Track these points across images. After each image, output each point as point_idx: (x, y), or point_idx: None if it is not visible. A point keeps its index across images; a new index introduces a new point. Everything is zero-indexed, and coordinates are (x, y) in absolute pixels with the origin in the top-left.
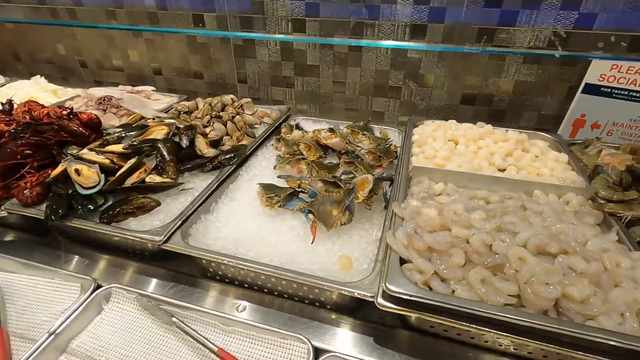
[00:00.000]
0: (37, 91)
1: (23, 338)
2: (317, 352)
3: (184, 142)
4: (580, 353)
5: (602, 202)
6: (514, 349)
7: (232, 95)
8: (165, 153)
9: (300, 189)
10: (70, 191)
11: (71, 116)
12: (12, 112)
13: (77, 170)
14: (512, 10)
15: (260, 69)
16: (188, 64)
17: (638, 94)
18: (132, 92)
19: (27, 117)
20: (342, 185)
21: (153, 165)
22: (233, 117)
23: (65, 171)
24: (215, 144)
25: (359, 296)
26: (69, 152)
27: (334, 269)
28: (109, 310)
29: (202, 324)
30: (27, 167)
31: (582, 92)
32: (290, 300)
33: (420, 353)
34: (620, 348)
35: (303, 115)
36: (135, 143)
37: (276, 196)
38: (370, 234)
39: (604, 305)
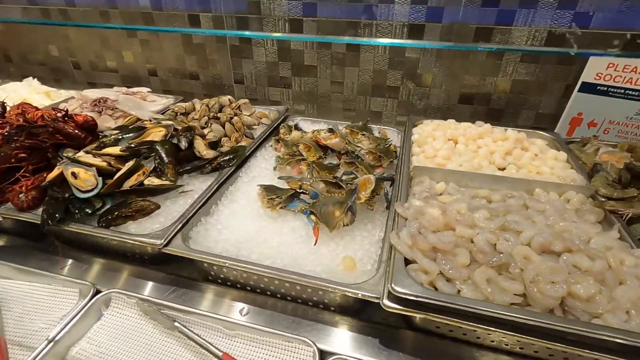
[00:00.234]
0: (29, 93)
1: (21, 346)
2: (323, 354)
3: (183, 144)
4: (587, 351)
5: (603, 199)
6: (519, 348)
7: (229, 96)
8: (163, 155)
9: (301, 190)
10: (66, 195)
11: (66, 118)
12: (5, 115)
13: (73, 174)
14: (510, 10)
15: (257, 70)
16: (184, 65)
17: (634, 92)
18: (127, 94)
19: (21, 120)
20: (343, 186)
21: (151, 168)
22: (231, 118)
23: (61, 174)
24: (213, 145)
25: (364, 298)
26: (65, 155)
27: (338, 271)
28: (109, 316)
29: (205, 328)
30: (22, 170)
31: (579, 90)
32: (294, 303)
33: (426, 354)
34: (627, 346)
35: (301, 116)
36: (132, 145)
37: (277, 197)
38: (373, 235)
39: (609, 303)
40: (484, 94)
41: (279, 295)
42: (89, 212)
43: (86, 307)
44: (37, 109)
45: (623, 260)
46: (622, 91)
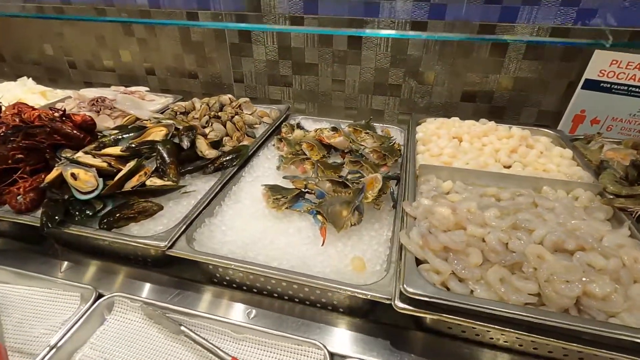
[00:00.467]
0: (24, 93)
1: (22, 353)
2: (334, 357)
3: (185, 143)
4: (603, 351)
5: (611, 197)
6: (533, 349)
7: (229, 95)
8: (165, 155)
9: (306, 190)
10: (66, 196)
11: (64, 118)
12: (0, 115)
13: (73, 175)
14: (513, 7)
15: (257, 68)
16: (182, 64)
17: (637, 89)
18: (125, 93)
19: (17, 120)
20: (350, 185)
21: (153, 168)
22: (232, 117)
23: (60, 176)
24: (215, 144)
25: (375, 299)
26: (64, 155)
27: (347, 271)
28: (112, 321)
29: (212, 332)
30: (19, 172)
31: (582, 87)
32: (301, 304)
33: (438, 355)
34: None
35: (301, 115)
36: (133, 145)
37: (283, 197)
38: (380, 234)
39: (625, 302)
40: (487, 91)
41: (286, 297)
42: (90, 214)
43: (89, 312)
44: (33, 108)
45: (637, 258)
46: (626, 88)
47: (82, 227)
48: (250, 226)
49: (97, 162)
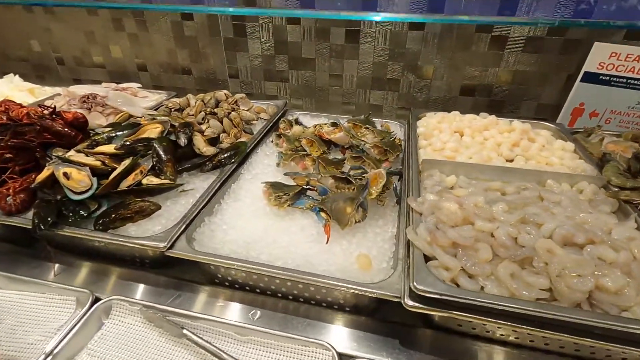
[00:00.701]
0: (11, 90)
1: None
2: (342, 358)
3: (182, 141)
4: (617, 345)
5: (616, 189)
6: (545, 344)
7: (225, 91)
8: (161, 153)
9: (308, 187)
10: (58, 197)
11: (54, 116)
12: None
13: (65, 174)
14: (512, 1)
15: (252, 63)
16: (175, 59)
17: (636, 82)
18: (117, 90)
19: (4, 118)
20: (353, 182)
21: (149, 166)
22: (228, 113)
23: (52, 175)
24: (213, 141)
25: (384, 297)
26: (55, 154)
27: (353, 269)
28: (111, 325)
29: (215, 334)
30: (8, 172)
31: (581, 80)
32: (306, 304)
33: (448, 353)
34: None
35: (298, 111)
36: (128, 143)
37: (284, 195)
38: (385, 231)
39: (638, 296)
40: (486, 85)
41: (290, 297)
42: (84, 214)
43: (85, 317)
44: (21, 106)
45: None
46: (625, 80)
47: (76, 228)
48: (252, 224)
49: (91, 160)
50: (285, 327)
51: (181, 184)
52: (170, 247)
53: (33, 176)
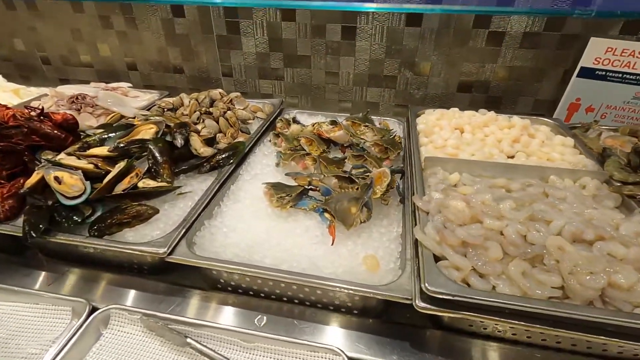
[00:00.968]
0: None
1: None
2: None
3: (179, 141)
4: (630, 342)
5: (619, 184)
6: (556, 342)
7: (220, 90)
8: (157, 154)
9: (310, 187)
10: (50, 202)
11: (42, 117)
12: None
13: (57, 178)
14: None
15: (246, 61)
16: (166, 58)
17: (631, 76)
18: (107, 90)
19: None
20: (356, 181)
21: (145, 169)
22: (224, 112)
23: (42, 180)
24: (210, 142)
25: (395, 300)
26: (44, 158)
27: (360, 271)
28: (109, 336)
29: (220, 342)
30: None
31: (578, 75)
32: (312, 308)
33: (460, 354)
34: None
35: (293, 109)
36: (122, 145)
37: (287, 196)
38: (390, 231)
39: None
40: (483, 81)
41: (296, 301)
42: (78, 220)
43: (83, 327)
44: (6, 107)
45: None
46: (620, 75)
47: (70, 235)
48: (253, 227)
49: (83, 163)
50: (292, 332)
51: (179, 187)
52: (171, 253)
53: (21, 181)
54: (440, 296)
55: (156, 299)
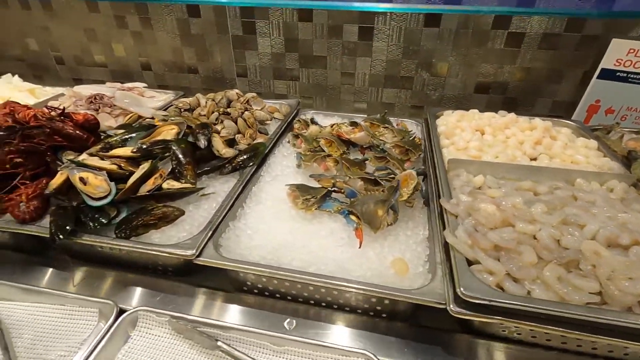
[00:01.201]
0: (10, 91)
1: None
2: None
3: (202, 142)
4: None
5: None
6: (592, 348)
7: (236, 90)
8: (180, 155)
9: (334, 189)
10: (74, 203)
11: (63, 117)
12: None
13: (82, 179)
14: None
15: (261, 62)
16: (181, 58)
17: None
18: (123, 89)
19: (9, 121)
20: (382, 183)
21: (169, 170)
22: (242, 113)
23: (67, 180)
24: (230, 143)
25: (429, 304)
26: (68, 158)
27: (389, 274)
28: (137, 338)
29: (249, 345)
30: (19, 177)
31: (598, 77)
32: (340, 311)
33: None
34: None
35: (309, 109)
36: (145, 146)
37: (312, 197)
38: (416, 234)
39: None
40: (501, 82)
41: (323, 304)
42: (104, 222)
43: (112, 329)
44: (27, 107)
45: None
46: None
47: (97, 236)
48: (277, 229)
49: (106, 164)
50: (321, 336)
51: (202, 188)
52: (199, 255)
53: (44, 181)
54: (477, 301)
55: (180, 300)
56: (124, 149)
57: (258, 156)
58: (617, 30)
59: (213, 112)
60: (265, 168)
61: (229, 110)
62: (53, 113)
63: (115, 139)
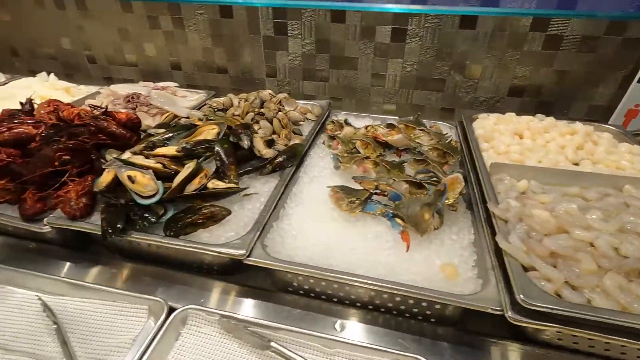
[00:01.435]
0: (47, 89)
1: None
2: None
3: (245, 143)
4: None
5: None
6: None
7: (269, 90)
8: (224, 155)
9: (375, 191)
10: (122, 201)
11: (105, 116)
12: (34, 114)
13: (130, 177)
14: None
15: (292, 62)
16: (211, 58)
17: None
18: (157, 89)
19: (53, 119)
20: (426, 186)
21: (213, 169)
22: (275, 113)
23: (115, 178)
24: (269, 143)
25: (484, 310)
26: (114, 156)
27: (438, 279)
28: (187, 336)
29: (299, 346)
30: (67, 174)
31: (638, 81)
32: (387, 314)
33: None
34: None
35: (338, 110)
36: (188, 145)
37: (356, 199)
38: (462, 238)
39: None
40: (536, 85)
41: (370, 307)
42: (153, 220)
43: (165, 327)
44: (72, 106)
45: None
46: None
47: (146, 234)
48: (320, 230)
49: (151, 163)
50: (373, 340)
51: (245, 188)
52: (249, 255)
53: (89, 179)
54: (538, 308)
55: (225, 300)
56: (167, 148)
57: (297, 157)
58: None
59: (248, 113)
60: (303, 169)
61: (262, 110)
62: (96, 112)
63: (157, 137)
